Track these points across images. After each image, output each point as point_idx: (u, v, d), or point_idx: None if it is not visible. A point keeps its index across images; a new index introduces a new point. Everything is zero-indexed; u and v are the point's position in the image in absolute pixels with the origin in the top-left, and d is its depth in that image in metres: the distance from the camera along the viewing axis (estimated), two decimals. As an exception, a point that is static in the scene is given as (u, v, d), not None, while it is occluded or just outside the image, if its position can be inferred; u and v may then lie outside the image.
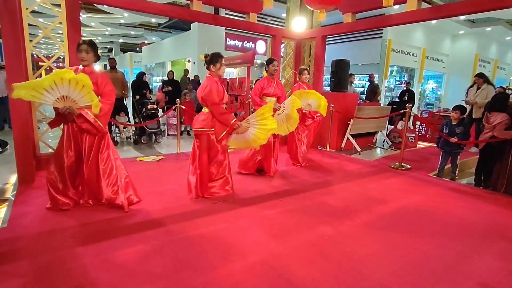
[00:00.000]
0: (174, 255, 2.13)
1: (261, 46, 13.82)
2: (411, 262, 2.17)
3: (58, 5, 3.87)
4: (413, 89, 10.51)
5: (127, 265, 2.00)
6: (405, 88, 9.35)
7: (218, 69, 3.20)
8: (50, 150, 4.11)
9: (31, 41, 3.76)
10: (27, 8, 3.65)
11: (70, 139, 2.77)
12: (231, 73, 12.39)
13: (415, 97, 9.87)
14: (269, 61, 4.16)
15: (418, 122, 8.06)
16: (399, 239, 2.51)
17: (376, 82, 10.12)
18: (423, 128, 8.12)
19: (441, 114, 8.41)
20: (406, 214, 3.06)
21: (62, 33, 3.89)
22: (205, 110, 3.21)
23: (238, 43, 13.41)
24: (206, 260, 2.10)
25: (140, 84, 7.03)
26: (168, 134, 7.43)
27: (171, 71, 8.46)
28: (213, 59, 3.19)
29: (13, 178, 3.65)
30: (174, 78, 8.31)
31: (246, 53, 7.01)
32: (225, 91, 3.33)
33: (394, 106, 8.07)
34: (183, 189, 3.44)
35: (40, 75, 3.89)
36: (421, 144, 7.23)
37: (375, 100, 8.43)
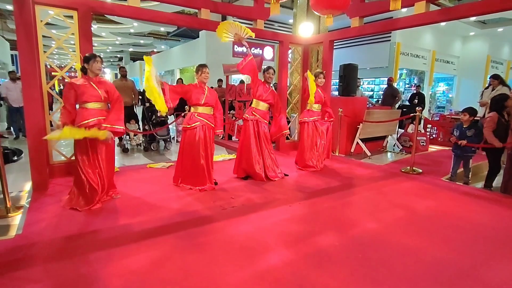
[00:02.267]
0: (184, 262, 2.14)
1: (268, 52, 13.88)
2: (425, 268, 2.12)
3: (71, 17, 3.98)
4: (423, 92, 10.39)
5: (138, 272, 2.01)
6: (415, 91, 9.24)
7: (199, 75, 3.73)
8: (63, 158, 4.19)
9: (45, 52, 3.87)
10: (41, 21, 3.77)
11: (86, 146, 3.03)
12: (238, 79, 12.46)
13: (425, 100, 9.75)
14: (266, 69, 4.25)
15: (429, 126, 7.94)
16: (412, 244, 2.46)
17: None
18: (435, 132, 8.00)
19: (452, 117, 8.26)
20: (418, 219, 3.00)
21: (74, 44, 3.99)
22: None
23: (245, 49, 13.52)
24: (216, 266, 2.09)
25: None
26: (177, 141, 7.50)
27: (180, 78, 8.60)
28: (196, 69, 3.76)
29: (28, 186, 3.74)
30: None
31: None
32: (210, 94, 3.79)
33: (404, 109, 7.98)
34: (193, 195, 3.47)
35: (53, 85, 4.00)
36: (433, 148, 7.11)
37: (394, 104, 8.29)
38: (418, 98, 8.72)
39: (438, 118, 9.84)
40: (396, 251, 2.36)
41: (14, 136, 7.48)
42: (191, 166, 3.71)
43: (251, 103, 4.38)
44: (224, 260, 2.17)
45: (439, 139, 7.72)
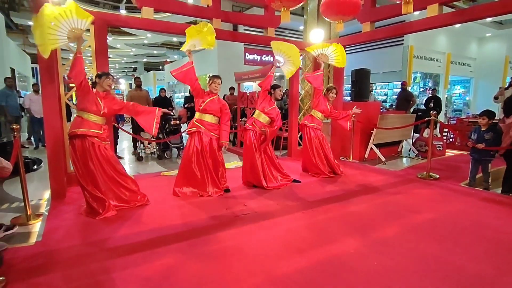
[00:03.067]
0: (198, 269, 2.15)
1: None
2: (444, 277, 2.05)
3: (88, 30, 4.12)
4: (439, 96, 10.18)
5: (153, 279, 2.03)
6: (430, 95, 9.06)
7: (209, 85, 3.81)
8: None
9: (63, 64, 4.02)
10: (60, 35, 3.92)
11: (85, 153, 3.07)
12: (250, 86, 12.56)
13: (441, 104, 9.55)
14: (276, 86, 4.26)
15: (446, 130, 7.75)
16: (430, 252, 2.39)
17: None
18: (452, 136, 7.80)
19: (470, 120, 8.05)
20: (436, 226, 2.91)
21: (91, 56, 4.13)
22: None
23: (256, 57, 13.64)
24: (230, 273, 2.09)
25: (159, 100, 7.30)
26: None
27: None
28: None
29: (47, 194, 3.85)
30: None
31: (265, 66, 7.11)
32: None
33: (419, 113, 7.82)
34: (206, 202, 3.49)
35: (71, 96, 4.15)
36: (450, 152, 6.93)
37: (409, 109, 8.16)
38: (434, 102, 8.54)
39: (455, 122, 9.60)
40: (414, 258, 2.29)
41: (34, 146, 7.75)
42: (187, 170, 3.74)
43: (253, 113, 4.42)
44: (237, 267, 2.17)
45: (456, 143, 7.52)
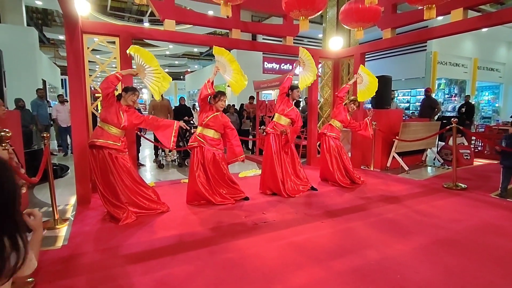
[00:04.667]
0: (216, 276, 2.15)
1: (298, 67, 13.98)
2: (473, 293, 1.94)
3: (113, 43, 4.33)
4: (472, 102, 9.85)
5: (172, 284, 2.05)
6: (464, 101, 8.87)
7: (215, 102, 3.75)
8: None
9: (90, 75, 4.22)
10: (88, 47, 4.14)
11: (104, 163, 3.18)
12: (269, 95, 12.62)
13: (474, 111, 9.25)
14: (294, 87, 4.26)
15: (474, 138, 7.41)
16: (458, 266, 2.27)
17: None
18: (480, 144, 7.45)
19: (500, 127, 7.65)
20: (464, 238, 2.77)
21: (116, 67, 4.31)
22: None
23: (275, 65, 13.71)
24: (248, 282, 2.08)
25: (179, 109, 7.49)
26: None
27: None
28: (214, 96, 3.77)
29: (73, 200, 4.01)
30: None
31: (284, 75, 7.13)
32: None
33: (444, 121, 7.55)
34: (225, 210, 3.51)
35: (97, 106, 4.33)
36: (478, 162, 6.61)
37: (433, 116, 7.93)
38: (466, 109, 8.32)
39: (483, 130, 9.18)
40: (439, 273, 2.19)
41: (64, 153, 8.11)
42: (194, 185, 3.73)
43: (273, 117, 4.42)
44: (256, 275, 2.15)
45: (485, 152, 7.17)
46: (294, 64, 4.43)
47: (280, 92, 4.26)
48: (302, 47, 4.39)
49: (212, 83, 3.68)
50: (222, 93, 3.79)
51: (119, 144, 3.25)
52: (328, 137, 4.71)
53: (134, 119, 3.35)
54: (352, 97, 4.92)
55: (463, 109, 8.34)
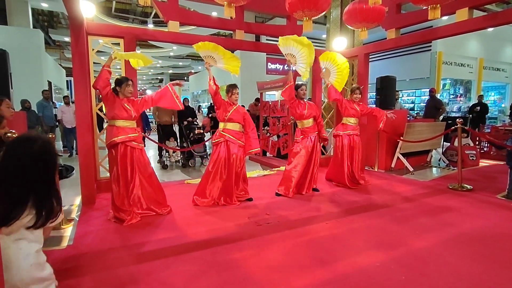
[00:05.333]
0: (219, 277, 2.15)
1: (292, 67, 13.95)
2: (479, 296, 1.92)
3: (117, 44, 4.36)
4: (485, 103, 9.80)
5: (176, 285, 2.05)
6: (477, 101, 8.90)
7: (229, 97, 3.78)
8: (108, 175, 4.47)
9: (95, 77, 4.24)
10: (93, 49, 4.17)
11: (125, 159, 3.20)
12: (273, 95, 12.61)
13: (488, 111, 9.23)
14: (297, 86, 4.26)
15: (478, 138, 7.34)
16: (463, 268, 2.25)
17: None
18: (486, 145, 7.37)
19: (506, 128, 7.56)
20: (470, 240, 2.74)
21: (120, 69, 4.34)
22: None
23: (279, 66, 13.72)
24: (251, 283, 2.07)
25: (184, 110, 7.48)
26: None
27: (216, 96, 8.86)
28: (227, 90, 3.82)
29: (78, 200, 4.03)
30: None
31: (287, 75, 7.13)
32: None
33: (449, 121, 7.49)
34: (229, 210, 3.51)
35: (102, 107, 4.36)
36: (485, 163, 6.54)
37: (438, 117, 7.88)
38: (480, 108, 8.36)
39: (489, 130, 9.09)
40: (445, 274, 2.17)
41: (69, 154, 8.17)
42: (209, 180, 3.76)
43: (294, 126, 4.44)
44: (259, 277, 2.15)
45: (492, 153, 7.09)
46: (287, 68, 4.39)
47: (288, 100, 4.24)
48: (284, 36, 3.93)
49: (213, 79, 3.71)
50: (233, 86, 3.81)
51: (137, 135, 3.31)
52: (342, 137, 4.66)
53: (139, 107, 3.37)
54: (352, 87, 4.83)
55: (478, 108, 8.33)
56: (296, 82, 4.31)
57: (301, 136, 4.25)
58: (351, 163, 4.64)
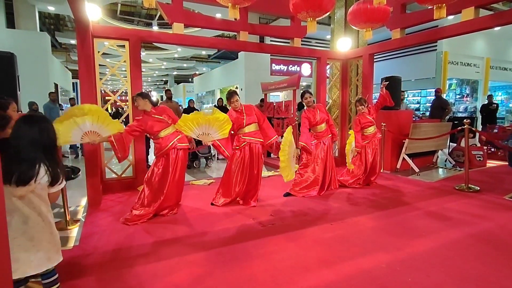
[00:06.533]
0: (224, 278, 2.15)
1: (306, 69, 13.94)
2: (487, 298, 1.90)
3: (123, 46, 4.40)
4: (478, 102, 9.80)
5: (181, 286, 2.06)
6: (487, 102, 8.98)
7: (231, 104, 3.74)
8: (114, 176, 4.51)
9: (100, 79, 4.29)
10: (99, 51, 4.21)
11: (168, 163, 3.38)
12: (277, 96, 12.61)
13: (497, 110, 9.28)
14: (302, 95, 4.31)
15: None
16: (471, 270, 2.22)
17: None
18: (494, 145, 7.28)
19: (514, 128, 7.46)
20: (477, 242, 2.71)
21: (125, 70, 4.38)
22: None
23: (283, 67, 13.71)
24: (256, 284, 2.07)
25: (188, 111, 7.52)
26: (218, 158, 7.71)
27: (221, 98, 8.92)
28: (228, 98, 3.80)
29: (84, 201, 4.07)
30: (224, 105, 8.72)
31: (291, 76, 7.11)
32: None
33: (456, 122, 7.42)
34: (234, 212, 3.51)
35: (107, 108, 4.40)
36: (492, 163, 6.47)
37: (444, 117, 7.81)
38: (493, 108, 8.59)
39: (496, 131, 8.99)
40: (452, 276, 2.14)
41: (75, 155, 8.24)
42: (229, 181, 3.79)
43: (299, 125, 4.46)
44: (263, 278, 2.14)
45: (499, 153, 7.01)
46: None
47: (302, 122, 4.24)
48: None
49: (224, 146, 3.66)
50: (231, 94, 3.76)
51: (180, 136, 3.45)
52: (365, 146, 4.66)
53: (169, 112, 3.51)
54: (356, 98, 4.81)
55: (494, 105, 8.45)
56: (302, 83, 4.32)
57: (314, 141, 4.29)
58: (366, 163, 4.69)
